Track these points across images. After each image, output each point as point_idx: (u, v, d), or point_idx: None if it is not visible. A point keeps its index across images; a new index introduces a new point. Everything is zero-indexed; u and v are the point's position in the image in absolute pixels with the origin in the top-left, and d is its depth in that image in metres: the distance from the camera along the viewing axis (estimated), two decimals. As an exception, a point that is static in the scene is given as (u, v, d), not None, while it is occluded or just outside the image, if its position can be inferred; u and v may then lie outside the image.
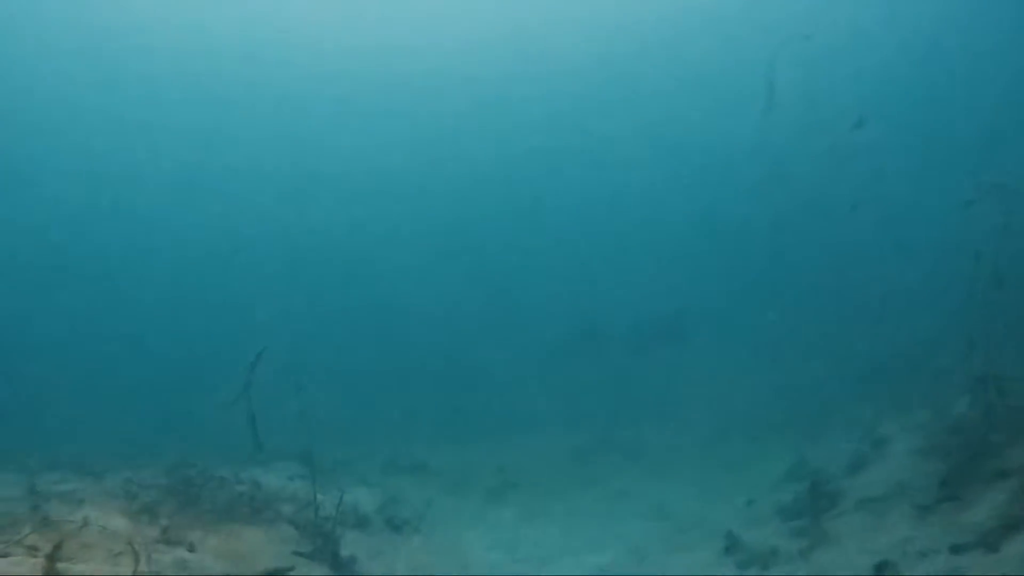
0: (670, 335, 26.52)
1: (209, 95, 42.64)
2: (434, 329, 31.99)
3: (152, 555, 9.12)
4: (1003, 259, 11.59)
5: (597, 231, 39.93)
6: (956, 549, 9.57)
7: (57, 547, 7.74)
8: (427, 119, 44.56)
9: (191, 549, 9.69)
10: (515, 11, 40.00)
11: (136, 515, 10.49)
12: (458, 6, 39.02)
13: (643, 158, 41.50)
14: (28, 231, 38.25)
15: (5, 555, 7.85)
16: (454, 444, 21.32)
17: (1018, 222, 11.81)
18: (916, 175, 27.26)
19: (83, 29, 38.67)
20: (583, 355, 26.97)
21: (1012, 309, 11.57)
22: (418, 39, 41.13)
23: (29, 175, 40.72)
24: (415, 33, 40.85)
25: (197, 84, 42.18)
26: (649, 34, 40.35)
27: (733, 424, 20.83)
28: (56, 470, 12.86)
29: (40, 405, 19.97)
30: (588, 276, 35.27)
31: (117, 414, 20.84)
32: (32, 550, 7.97)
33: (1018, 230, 11.84)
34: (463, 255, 39.15)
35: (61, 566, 7.75)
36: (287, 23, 39.75)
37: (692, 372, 24.57)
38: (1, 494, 10.72)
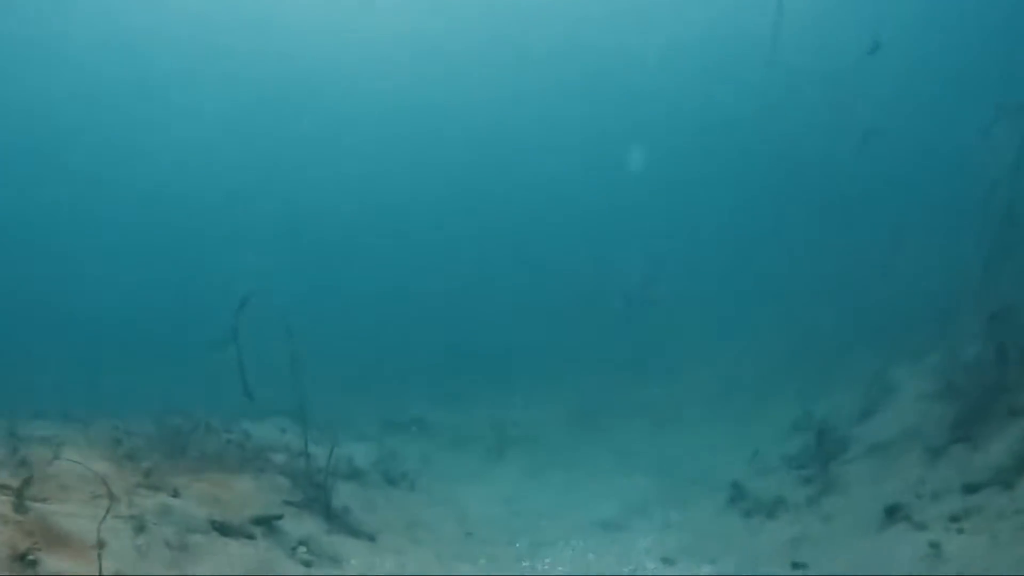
0: (667, 291, 25.98)
1: (212, 52, 41.87)
2: (435, 292, 31.62)
3: (133, 499, 8.78)
4: (1018, 193, 11.13)
5: (598, 188, 39.32)
6: (970, 488, 9.21)
7: (26, 482, 7.38)
8: (426, 83, 43.92)
9: (175, 494, 9.33)
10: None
11: (119, 460, 10.15)
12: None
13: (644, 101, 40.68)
14: (19, 183, 37.81)
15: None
16: (454, 402, 21.01)
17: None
18: (929, 106, 26.21)
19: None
20: (584, 312, 26.54)
21: (1026, 245, 11.13)
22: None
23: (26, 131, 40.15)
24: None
25: (199, 43, 41.46)
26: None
27: (737, 379, 20.51)
28: (42, 418, 12.50)
29: (30, 358, 19.68)
30: (588, 234, 34.78)
31: (111, 369, 20.60)
32: (3, 489, 7.61)
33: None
34: (463, 216, 38.70)
35: (34, 505, 7.41)
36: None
37: (693, 328, 24.15)
38: (-21, 439, 10.42)
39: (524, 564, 10.48)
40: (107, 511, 7.39)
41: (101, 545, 7.01)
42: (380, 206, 40.41)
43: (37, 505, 7.52)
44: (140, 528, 8.12)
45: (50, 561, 6.69)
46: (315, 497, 10.98)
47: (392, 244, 37.66)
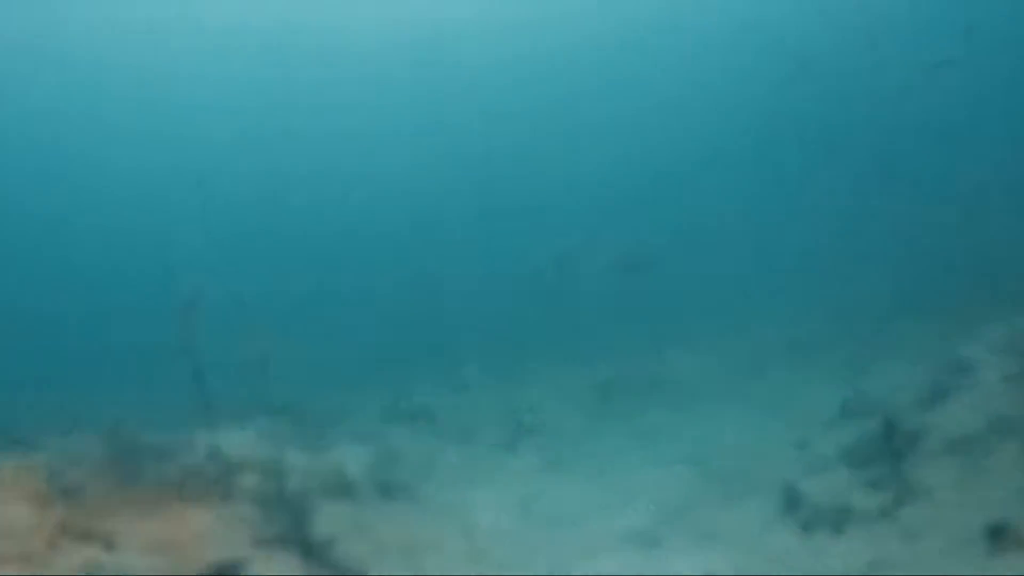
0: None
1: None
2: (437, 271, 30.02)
3: (53, 555, 7.03)
4: None
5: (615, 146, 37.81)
6: (1102, 503, 7.38)
7: None
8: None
9: (109, 546, 7.55)
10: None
11: (47, 500, 8.36)
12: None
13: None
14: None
15: None
16: (463, 387, 19.43)
17: None
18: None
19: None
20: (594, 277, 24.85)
21: None
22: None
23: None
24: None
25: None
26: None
27: (769, 350, 18.81)
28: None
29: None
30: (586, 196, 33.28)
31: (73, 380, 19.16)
32: None
33: None
34: (456, 181, 37.21)
35: None
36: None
37: (718, 292, 22.40)
38: None
39: (542, 599, 8.75)
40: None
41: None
42: (379, 189, 38.94)
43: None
44: (56, 599, 6.41)
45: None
46: (291, 528, 9.19)
47: (390, 223, 36.10)
